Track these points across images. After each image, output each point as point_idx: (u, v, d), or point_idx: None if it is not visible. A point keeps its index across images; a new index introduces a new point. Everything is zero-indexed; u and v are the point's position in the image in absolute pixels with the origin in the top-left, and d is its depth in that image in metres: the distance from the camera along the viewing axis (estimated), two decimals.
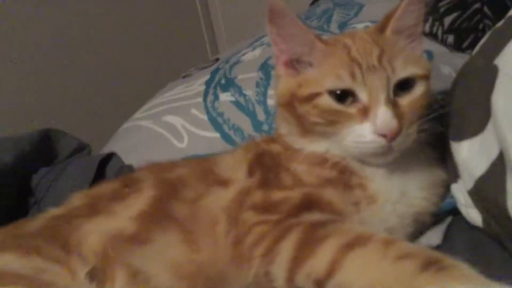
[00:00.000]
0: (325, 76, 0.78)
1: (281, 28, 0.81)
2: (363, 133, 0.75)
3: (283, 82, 0.85)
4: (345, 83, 0.76)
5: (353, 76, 0.75)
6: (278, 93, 0.86)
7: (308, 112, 0.79)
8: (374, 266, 0.60)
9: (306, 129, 0.82)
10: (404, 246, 0.63)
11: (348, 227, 0.69)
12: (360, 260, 0.62)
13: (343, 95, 0.76)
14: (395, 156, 0.77)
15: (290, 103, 0.82)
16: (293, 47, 0.82)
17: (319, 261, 0.64)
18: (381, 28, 0.81)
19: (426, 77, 0.79)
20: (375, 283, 0.59)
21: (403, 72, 0.76)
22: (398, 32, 0.80)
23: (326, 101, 0.77)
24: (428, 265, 0.57)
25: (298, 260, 0.65)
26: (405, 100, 0.76)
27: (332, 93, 0.77)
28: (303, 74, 0.82)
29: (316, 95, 0.78)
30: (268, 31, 0.82)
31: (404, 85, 0.77)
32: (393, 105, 0.75)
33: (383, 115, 0.73)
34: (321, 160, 0.80)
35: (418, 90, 0.77)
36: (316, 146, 0.81)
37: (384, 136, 0.73)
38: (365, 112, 0.75)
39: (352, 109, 0.76)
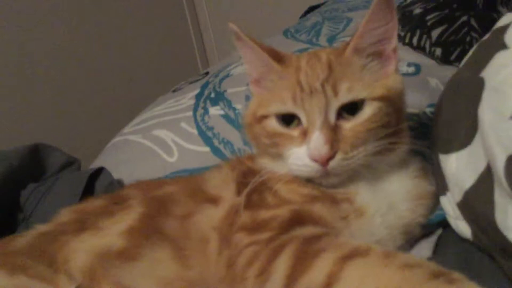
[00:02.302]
0: (273, 99, 0.80)
1: (246, 49, 0.84)
2: (301, 157, 0.76)
3: (251, 102, 0.87)
4: (287, 106, 0.77)
5: (294, 99, 0.76)
6: (245, 113, 0.88)
7: (259, 133, 0.82)
8: (376, 275, 0.59)
9: (262, 150, 0.84)
10: (408, 257, 0.63)
11: (343, 241, 0.69)
12: (360, 269, 0.61)
13: (290, 118, 0.78)
14: (339, 178, 0.77)
15: (251, 124, 0.85)
16: (255, 67, 0.84)
17: (316, 275, 0.63)
18: (344, 47, 0.80)
19: (382, 99, 0.77)
20: None
21: (347, 96, 0.75)
22: (358, 51, 0.78)
23: (272, 124, 0.79)
24: (438, 275, 0.57)
25: (294, 275, 0.64)
26: (349, 124, 0.76)
27: (278, 116, 0.78)
28: (264, 95, 0.84)
29: (265, 117, 0.80)
30: (239, 52, 0.85)
31: (351, 108, 0.76)
32: (333, 129, 0.75)
33: (315, 141, 0.74)
34: (298, 179, 0.80)
35: (366, 113, 0.76)
36: (279, 167, 0.82)
37: (316, 161, 0.74)
38: (304, 135, 0.76)
39: (294, 132, 0.77)
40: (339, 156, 0.74)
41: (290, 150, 0.77)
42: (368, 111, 0.76)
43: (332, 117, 0.75)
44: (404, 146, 0.81)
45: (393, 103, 0.78)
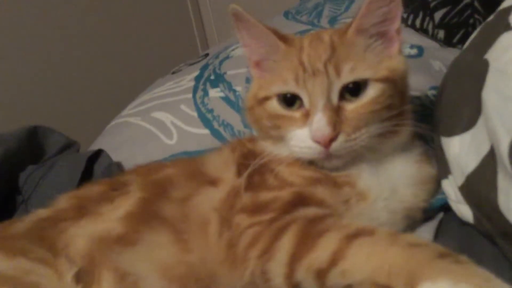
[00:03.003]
0: (275, 80, 0.79)
1: (246, 31, 0.82)
2: (303, 138, 0.75)
3: (251, 85, 0.86)
4: (289, 87, 0.76)
5: (297, 80, 0.75)
6: (246, 96, 0.87)
7: (261, 115, 0.81)
8: (382, 252, 0.59)
9: (264, 133, 0.83)
10: (414, 238, 0.63)
11: (347, 222, 0.69)
12: (366, 247, 0.61)
13: (292, 99, 0.77)
14: (341, 161, 0.77)
15: (252, 107, 0.84)
16: (259, 48, 0.82)
17: (321, 253, 0.63)
18: (346, 27, 0.79)
19: (385, 80, 0.76)
20: (383, 266, 0.58)
21: (350, 76, 0.74)
22: (361, 32, 0.77)
23: (274, 105, 0.78)
24: (444, 255, 0.57)
25: (298, 254, 0.64)
26: (352, 105, 0.75)
27: (280, 97, 0.77)
28: (265, 77, 0.83)
29: (267, 98, 0.79)
30: (237, 34, 0.83)
31: (355, 89, 0.75)
32: (335, 110, 0.74)
33: (317, 122, 0.73)
34: (299, 162, 0.79)
35: (369, 94, 0.75)
36: (281, 150, 0.81)
37: (318, 142, 0.73)
38: (307, 117, 0.75)
39: (296, 114, 0.76)
40: (341, 138, 0.73)
41: (292, 132, 0.77)
42: (371, 92, 0.75)
43: (334, 98, 0.74)
44: (408, 128, 0.80)
45: (396, 84, 0.77)
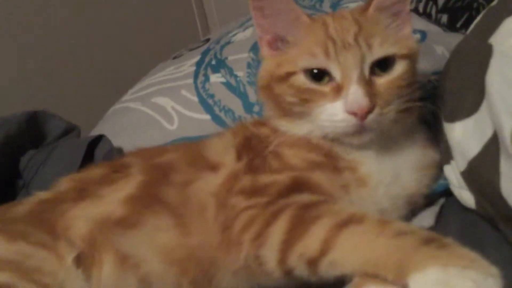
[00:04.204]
0: (301, 54, 0.78)
1: (267, 5, 0.80)
2: (335, 112, 0.74)
3: (265, 64, 0.85)
4: (319, 61, 0.75)
5: (327, 53, 0.75)
6: (260, 75, 0.86)
7: (284, 91, 0.79)
8: (369, 242, 0.60)
9: (284, 110, 0.81)
10: (401, 225, 0.63)
11: (340, 207, 0.69)
12: (354, 237, 0.62)
13: (319, 74, 0.76)
14: (371, 136, 0.76)
15: (269, 85, 0.82)
16: (278, 24, 0.81)
17: (311, 241, 0.63)
18: (366, 6, 0.80)
19: (408, 57, 0.77)
20: (370, 257, 0.59)
21: (380, 51, 0.75)
22: (381, 10, 0.78)
23: (301, 80, 0.77)
24: (429, 241, 0.57)
25: (290, 241, 0.65)
26: (382, 80, 0.75)
27: (307, 71, 0.76)
28: (283, 54, 0.81)
29: (292, 74, 0.78)
30: (252, 12, 0.82)
31: (383, 64, 0.76)
32: (368, 84, 0.74)
33: (354, 93, 0.72)
34: (307, 143, 0.79)
35: (397, 70, 0.76)
36: (297, 128, 0.80)
37: (355, 114, 0.72)
38: (338, 91, 0.74)
39: (326, 88, 0.75)
40: (377, 110, 0.73)
41: (322, 107, 0.75)
42: (399, 68, 0.76)
43: (366, 71, 0.74)
44: (417, 110, 0.80)
45: (414, 63, 0.79)
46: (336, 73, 0.74)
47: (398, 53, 0.76)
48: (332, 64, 0.74)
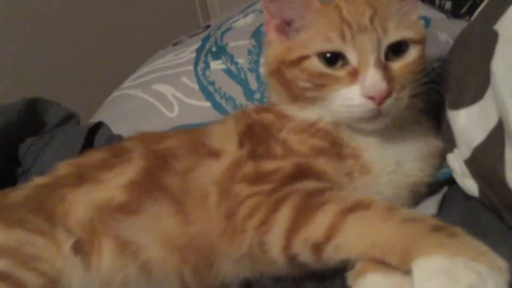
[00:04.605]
0: (314, 38, 0.76)
1: None
2: (351, 96, 0.73)
3: (273, 49, 0.83)
4: (334, 44, 0.74)
5: (342, 37, 0.73)
6: (268, 60, 0.85)
7: (296, 76, 0.78)
8: (377, 227, 0.59)
9: (295, 95, 0.80)
10: (410, 212, 0.62)
11: (346, 194, 0.68)
12: (361, 221, 0.61)
13: (333, 58, 0.74)
14: (385, 122, 0.75)
15: (279, 70, 0.81)
16: (286, 8, 0.79)
17: (317, 226, 0.62)
18: None
19: (420, 42, 0.77)
20: (377, 241, 0.58)
21: (395, 34, 0.74)
22: None
23: (314, 64, 0.75)
24: (438, 229, 0.56)
25: (295, 227, 0.64)
26: (397, 64, 0.74)
27: (321, 55, 0.75)
28: (293, 39, 0.80)
29: (305, 58, 0.76)
30: None
31: (396, 49, 0.75)
32: (384, 68, 0.73)
33: (371, 77, 0.71)
34: (313, 129, 0.78)
35: (411, 54, 0.75)
36: (307, 114, 0.79)
37: (372, 99, 0.71)
38: (354, 75, 0.73)
39: (341, 72, 0.74)
40: (394, 95, 0.72)
41: (337, 92, 0.74)
42: (413, 52, 0.75)
43: (382, 55, 0.73)
44: (423, 97, 0.79)
45: (424, 49, 0.78)
46: (352, 57, 0.73)
47: (412, 37, 0.75)
48: (348, 47, 0.73)
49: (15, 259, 0.64)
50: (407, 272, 0.55)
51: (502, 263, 0.52)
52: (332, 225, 0.61)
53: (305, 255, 0.64)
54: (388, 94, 0.71)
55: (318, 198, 0.66)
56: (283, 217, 0.66)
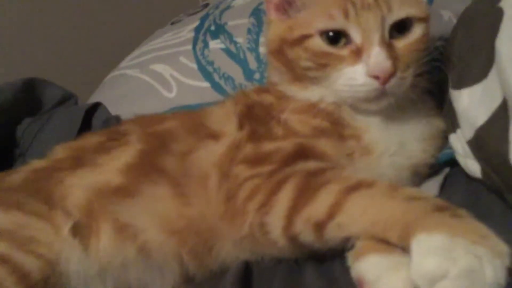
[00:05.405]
0: (317, 16, 0.74)
1: None
2: (355, 76, 0.72)
3: (274, 28, 0.82)
4: (337, 22, 0.72)
5: (346, 14, 0.71)
6: (268, 39, 0.84)
7: (298, 56, 0.76)
8: (380, 205, 0.59)
9: (297, 75, 0.79)
10: (413, 190, 0.62)
11: (348, 174, 0.67)
12: (364, 199, 0.60)
13: (336, 37, 0.73)
14: (389, 101, 0.74)
15: (280, 49, 0.79)
16: None
17: (319, 205, 0.62)
18: None
19: (424, 20, 0.75)
20: (379, 219, 0.57)
21: (399, 12, 0.72)
22: None
23: (317, 43, 0.74)
24: (442, 209, 0.56)
25: (297, 206, 0.64)
26: (401, 43, 0.73)
27: (323, 34, 0.73)
28: (294, 17, 0.78)
29: (307, 37, 0.75)
30: None
31: (400, 27, 0.73)
32: (388, 46, 0.71)
33: (376, 56, 0.70)
34: (314, 109, 0.76)
35: (416, 33, 0.74)
36: (309, 94, 0.78)
37: (377, 78, 0.70)
38: (358, 54, 0.71)
39: (344, 51, 0.72)
40: (399, 74, 0.71)
41: (341, 71, 0.73)
42: (418, 31, 0.74)
43: (386, 34, 0.72)
44: (426, 76, 0.78)
45: (429, 28, 0.77)
46: (355, 35, 0.72)
47: (417, 15, 0.74)
48: (352, 25, 0.71)
49: (13, 242, 0.64)
50: (407, 252, 0.54)
51: (503, 248, 0.51)
52: (334, 203, 0.61)
53: (306, 235, 0.64)
54: (392, 73, 0.70)
55: (320, 177, 0.65)
56: (284, 198, 0.65)
